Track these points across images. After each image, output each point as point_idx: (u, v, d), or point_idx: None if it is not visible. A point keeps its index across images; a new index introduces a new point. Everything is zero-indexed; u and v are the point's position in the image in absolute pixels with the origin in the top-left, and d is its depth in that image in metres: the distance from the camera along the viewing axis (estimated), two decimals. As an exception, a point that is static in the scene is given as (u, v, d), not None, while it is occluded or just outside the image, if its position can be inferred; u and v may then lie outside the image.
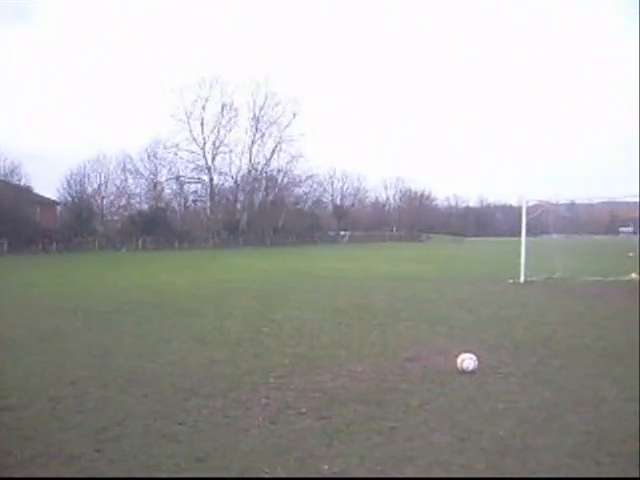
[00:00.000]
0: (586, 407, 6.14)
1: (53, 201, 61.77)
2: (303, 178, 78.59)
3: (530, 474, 4.46)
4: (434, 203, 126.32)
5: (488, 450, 4.93)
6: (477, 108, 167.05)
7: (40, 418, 5.70)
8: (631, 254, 36.42)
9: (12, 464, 4.70)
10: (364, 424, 5.60)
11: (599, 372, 7.62)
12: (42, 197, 58.90)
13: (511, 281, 20.76)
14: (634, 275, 22.89)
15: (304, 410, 6.05)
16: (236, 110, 71.02)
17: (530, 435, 5.30)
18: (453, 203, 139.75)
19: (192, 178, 71.32)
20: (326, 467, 4.61)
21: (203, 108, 69.15)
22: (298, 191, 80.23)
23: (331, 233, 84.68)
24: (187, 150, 69.71)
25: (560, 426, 5.54)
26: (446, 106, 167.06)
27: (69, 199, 63.39)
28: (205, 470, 4.58)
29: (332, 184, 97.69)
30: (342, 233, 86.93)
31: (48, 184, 66.98)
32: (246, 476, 4.21)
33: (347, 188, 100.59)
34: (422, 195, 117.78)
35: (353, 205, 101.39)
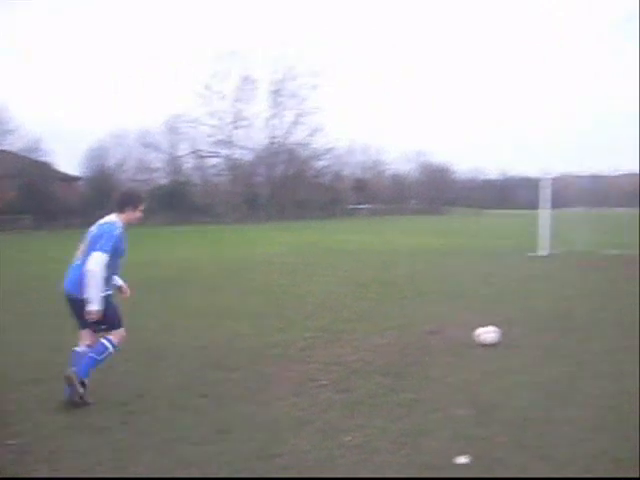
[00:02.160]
0: (606, 380, 6.16)
1: (74, 177, 61.97)
2: (323, 151, 78.34)
3: (550, 447, 4.50)
4: (454, 176, 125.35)
5: (508, 422, 4.98)
6: (498, 81, 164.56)
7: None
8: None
9: (45, 435, 4.83)
10: (385, 396, 5.66)
11: (619, 346, 7.61)
12: (63, 173, 59.14)
13: (532, 254, 20.67)
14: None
15: (325, 383, 6.13)
16: (255, 83, 70.80)
17: (550, 408, 5.34)
18: (473, 176, 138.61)
19: (212, 152, 71.39)
20: (349, 439, 4.69)
21: (222, 81, 68.96)
22: (318, 164, 79.93)
23: (351, 206, 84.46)
24: (207, 124, 69.72)
25: (580, 399, 5.57)
26: (466, 79, 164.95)
27: (89, 175, 63.61)
28: (228, 441, 4.68)
29: (351, 157, 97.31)
30: (362, 206, 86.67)
31: (67, 160, 67.36)
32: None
33: (366, 161, 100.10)
34: (442, 168, 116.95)
35: (372, 178, 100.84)
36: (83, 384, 5.40)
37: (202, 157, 71.35)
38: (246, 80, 70.08)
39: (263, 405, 5.51)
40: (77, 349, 5.57)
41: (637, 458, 4.25)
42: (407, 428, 4.87)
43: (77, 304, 5.40)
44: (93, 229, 5.57)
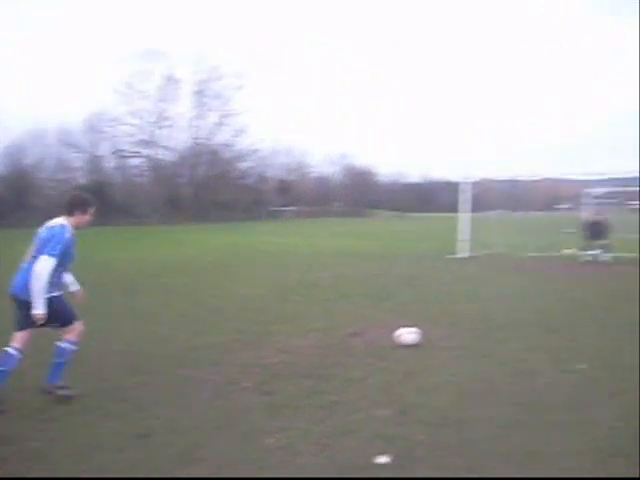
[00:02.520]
0: (522, 379, 6.35)
1: (-15, 175, 59.60)
2: (247, 153, 77.97)
3: (467, 445, 4.60)
4: (377, 179, 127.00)
5: (427, 422, 5.07)
6: (419, 84, 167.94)
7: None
8: (569, 230, 37.40)
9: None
10: (307, 398, 5.68)
11: (536, 345, 7.88)
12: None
13: (453, 257, 21.15)
14: (569, 251, 23.61)
15: (247, 385, 6.10)
16: (179, 83, 69.84)
17: (468, 407, 5.47)
18: (396, 179, 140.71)
19: (134, 152, 69.98)
20: (272, 441, 4.67)
21: (145, 80, 67.70)
22: (242, 166, 79.48)
23: (275, 208, 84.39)
24: (128, 124, 68.33)
25: (497, 398, 5.72)
26: (389, 82, 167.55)
27: (5, 173, 61.33)
28: (148, 446, 4.59)
29: (276, 159, 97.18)
30: (286, 208, 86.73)
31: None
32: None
33: (290, 163, 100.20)
34: (365, 171, 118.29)
35: (297, 180, 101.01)
36: (62, 387, 5.64)
37: (123, 157, 69.83)
38: (170, 80, 69.06)
39: (184, 409, 5.43)
40: (8, 349, 5.43)
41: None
42: (329, 430, 4.90)
43: (23, 306, 5.37)
44: (42, 231, 5.54)
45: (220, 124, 73.11)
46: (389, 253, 23.68)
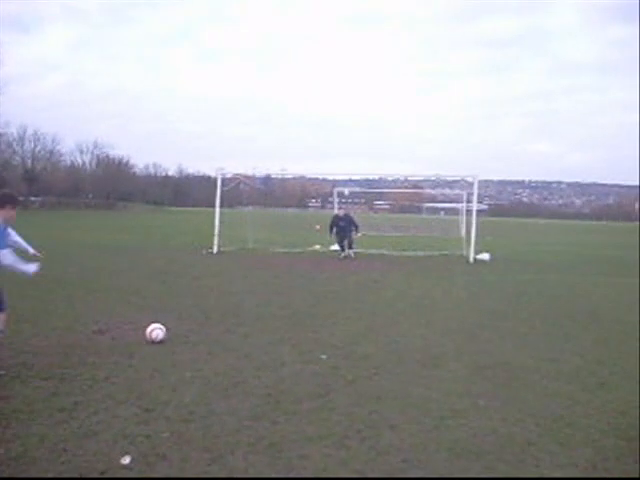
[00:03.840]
0: (267, 371, 6.57)
1: None
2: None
3: (213, 438, 4.66)
4: (132, 171, 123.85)
5: (172, 418, 5.05)
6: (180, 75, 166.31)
7: None
8: (318, 227, 39.48)
9: None
10: (46, 401, 5.36)
11: (282, 338, 8.20)
12: None
13: (205, 252, 21.24)
14: (317, 246, 25.02)
15: (-22, 391, 5.62)
16: None
17: (214, 401, 5.53)
18: (152, 172, 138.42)
19: None
20: (2, 451, 4.34)
21: None
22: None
23: (21, 198, 78.58)
24: None
25: (242, 390, 5.86)
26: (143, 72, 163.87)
27: None
28: None
29: (23, 145, 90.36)
30: (33, 199, 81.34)
31: None
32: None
33: (40, 150, 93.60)
34: (120, 162, 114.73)
35: (46, 169, 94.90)
36: None
37: None
38: None
39: None
40: None
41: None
42: (67, 433, 4.67)
43: None
44: None
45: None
46: (142, 247, 23.18)
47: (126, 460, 4.25)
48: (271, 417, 5.17)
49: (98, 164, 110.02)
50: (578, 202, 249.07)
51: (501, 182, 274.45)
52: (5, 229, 6.25)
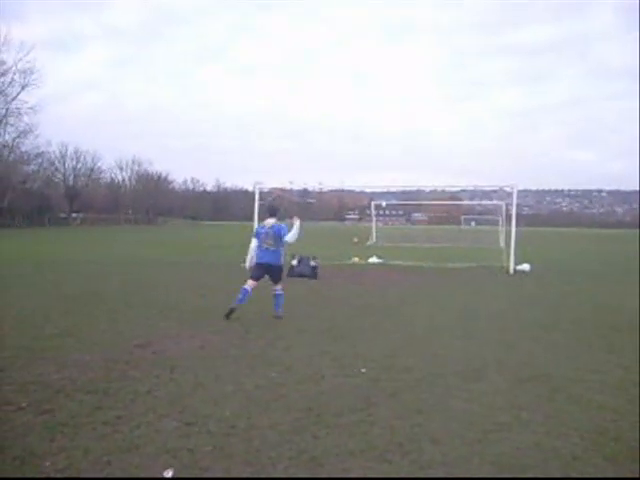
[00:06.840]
0: (308, 384, 6.56)
1: None
2: (32, 155, 73.26)
3: (255, 452, 4.67)
4: (171, 186, 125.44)
5: (214, 432, 5.07)
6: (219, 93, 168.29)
7: None
8: (356, 240, 39.51)
9: None
10: (89, 415, 5.43)
11: (322, 351, 8.17)
12: None
13: (244, 265, 21.30)
14: (356, 259, 25.05)
15: (24, 405, 5.71)
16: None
17: (255, 414, 5.54)
18: (190, 187, 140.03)
19: None
20: (48, 464, 4.41)
21: None
22: (26, 169, 74.47)
23: (63, 215, 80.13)
24: None
25: (283, 404, 5.86)
26: (186, 89, 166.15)
27: None
28: None
29: (64, 163, 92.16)
30: (74, 215, 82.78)
31: None
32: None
33: (80, 167, 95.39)
34: (159, 177, 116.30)
35: (87, 186, 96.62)
36: None
37: None
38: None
39: (-52, 435, 4.96)
40: None
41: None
42: (111, 446, 4.72)
43: None
44: None
45: (3, 124, 67.85)
46: (181, 261, 23.41)
47: (169, 474, 4.28)
48: (312, 431, 5.16)
49: (137, 180, 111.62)
50: (619, 210, 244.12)
51: (539, 192, 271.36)
52: None
